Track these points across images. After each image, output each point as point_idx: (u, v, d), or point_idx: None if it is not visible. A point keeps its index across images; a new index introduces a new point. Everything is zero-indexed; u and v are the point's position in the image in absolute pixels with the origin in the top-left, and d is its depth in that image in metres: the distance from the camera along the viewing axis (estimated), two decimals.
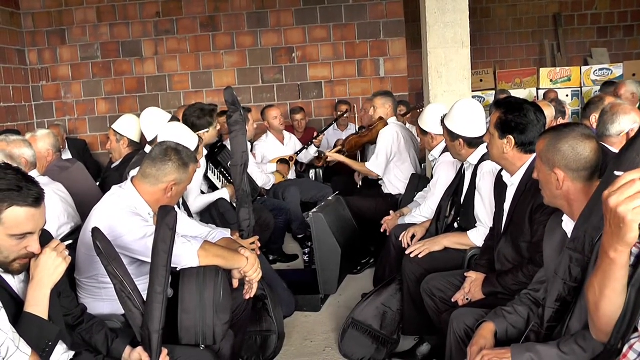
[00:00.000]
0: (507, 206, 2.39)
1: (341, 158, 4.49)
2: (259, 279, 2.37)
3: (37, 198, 1.58)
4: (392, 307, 2.94)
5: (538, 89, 7.00)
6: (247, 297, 2.41)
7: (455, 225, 3.05)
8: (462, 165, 3.02)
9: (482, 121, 2.87)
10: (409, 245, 3.03)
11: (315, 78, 6.51)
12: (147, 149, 3.34)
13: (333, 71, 6.49)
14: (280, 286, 3.36)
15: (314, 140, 5.24)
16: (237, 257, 2.28)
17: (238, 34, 6.44)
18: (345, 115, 5.88)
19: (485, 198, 2.69)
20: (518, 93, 6.67)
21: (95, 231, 1.85)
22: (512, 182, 2.35)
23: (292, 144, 5.27)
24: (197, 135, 3.15)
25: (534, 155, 2.22)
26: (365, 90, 6.42)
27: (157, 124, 3.33)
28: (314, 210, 3.61)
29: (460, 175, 3.04)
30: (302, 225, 4.63)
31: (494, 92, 7.06)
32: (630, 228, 1.16)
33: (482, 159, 2.77)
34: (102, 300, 2.22)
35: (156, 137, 3.21)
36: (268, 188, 4.65)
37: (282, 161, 4.99)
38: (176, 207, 2.43)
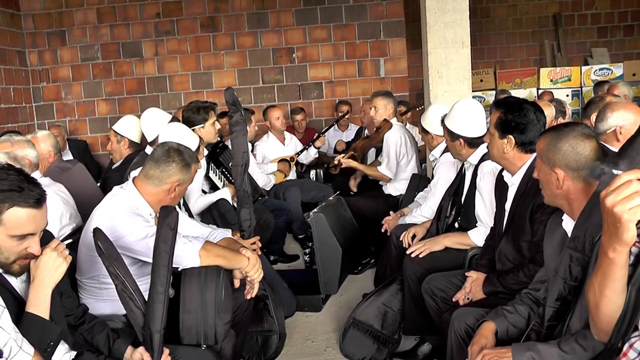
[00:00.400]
0: (508, 206, 2.39)
1: (354, 164, 4.48)
2: (260, 279, 2.37)
3: (38, 199, 1.58)
4: (393, 307, 2.94)
5: (538, 89, 6.99)
6: (249, 297, 2.41)
7: (456, 225, 3.05)
8: (463, 165, 3.02)
9: (482, 121, 2.87)
10: (409, 245, 3.03)
11: (316, 78, 6.52)
12: (148, 149, 3.34)
13: (333, 71, 6.49)
14: (281, 286, 3.36)
15: (315, 142, 5.23)
16: (239, 257, 2.28)
17: (238, 34, 6.44)
18: (346, 116, 5.88)
19: (486, 198, 2.70)
20: (518, 93, 6.67)
21: (97, 231, 1.85)
22: (513, 182, 2.35)
23: (292, 144, 5.27)
24: (192, 130, 3.15)
25: (534, 154, 2.22)
26: (366, 91, 6.42)
27: (157, 125, 3.33)
28: (315, 210, 3.61)
29: (460, 175, 3.04)
30: (302, 226, 4.63)
31: (494, 92, 7.05)
32: (626, 228, 1.17)
33: (483, 158, 2.78)
34: (103, 300, 2.22)
35: (157, 138, 3.21)
36: (268, 188, 4.65)
37: (282, 161, 4.99)
38: (177, 207, 2.43)
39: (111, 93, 6.55)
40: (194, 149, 2.85)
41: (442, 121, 2.99)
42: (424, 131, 3.53)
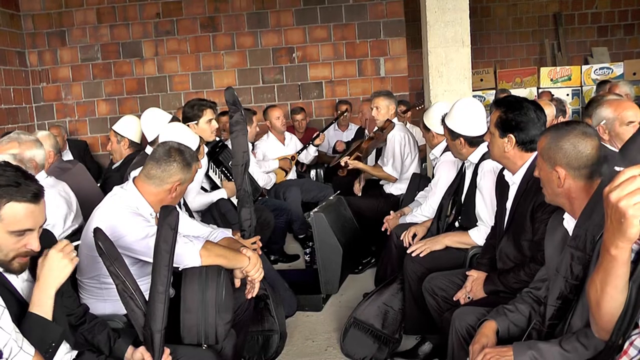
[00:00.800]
0: (508, 205, 2.39)
1: (361, 165, 4.46)
2: (261, 279, 2.37)
3: (36, 194, 1.57)
4: (393, 306, 2.94)
5: (538, 88, 7.00)
6: (249, 296, 2.41)
7: (457, 224, 3.05)
8: (463, 164, 3.02)
9: (482, 120, 2.87)
10: (410, 245, 3.03)
11: (316, 78, 6.52)
12: (148, 149, 3.34)
13: (333, 71, 6.49)
14: (282, 286, 3.36)
15: (314, 140, 5.24)
16: (239, 257, 2.28)
17: (238, 34, 6.44)
18: (345, 115, 5.88)
19: (486, 197, 2.69)
20: (518, 92, 6.67)
21: (97, 231, 1.85)
22: (514, 181, 2.35)
23: (292, 144, 5.27)
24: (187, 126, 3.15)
25: (535, 153, 2.22)
26: (366, 90, 6.43)
27: (157, 125, 3.33)
28: (315, 210, 3.61)
29: (461, 174, 3.04)
30: (303, 225, 4.63)
31: (494, 91, 7.06)
32: (631, 223, 1.17)
33: (483, 157, 2.77)
34: (103, 300, 2.22)
35: (157, 138, 3.21)
36: (269, 188, 4.65)
37: (283, 159, 5.00)
38: (177, 207, 2.43)
39: (111, 93, 6.55)
40: (194, 148, 2.85)
41: (443, 120, 2.99)
42: (425, 128, 3.53)
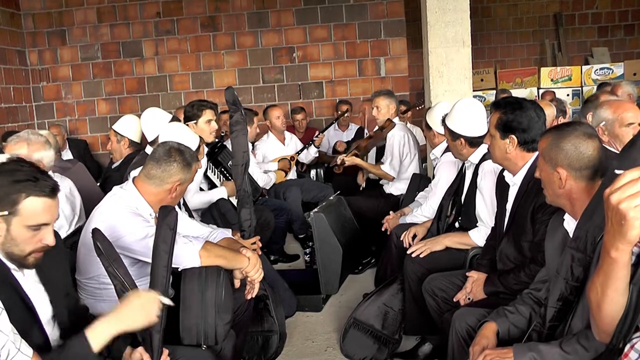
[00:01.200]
0: (509, 206, 2.38)
1: (358, 161, 4.45)
2: (261, 279, 2.37)
3: (53, 188, 1.59)
4: (393, 307, 2.93)
5: (539, 88, 7.00)
6: (249, 297, 2.41)
7: (457, 224, 3.05)
8: (463, 164, 3.01)
9: (483, 120, 2.86)
10: (410, 245, 3.02)
11: (316, 78, 6.51)
12: (148, 149, 3.33)
13: (334, 71, 6.49)
14: (282, 286, 3.35)
15: (314, 140, 5.24)
16: (239, 257, 2.28)
17: (238, 34, 6.43)
18: (345, 115, 5.88)
19: (487, 197, 2.69)
20: (519, 92, 6.67)
21: (96, 232, 1.85)
22: (514, 182, 2.34)
23: (292, 144, 5.27)
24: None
25: (536, 153, 2.21)
26: (366, 90, 6.42)
27: (157, 125, 3.33)
28: (315, 210, 3.60)
29: (461, 175, 3.04)
30: (303, 225, 4.63)
31: (494, 91, 7.05)
32: (631, 225, 1.16)
33: (483, 158, 2.77)
34: (102, 300, 2.21)
35: (157, 138, 3.21)
36: (269, 187, 4.64)
37: (283, 160, 4.99)
38: (176, 207, 2.43)
39: (111, 92, 6.55)
40: (194, 148, 2.84)
41: (443, 121, 2.98)
42: (427, 127, 3.53)
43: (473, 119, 2.85)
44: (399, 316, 2.92)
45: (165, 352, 1.84)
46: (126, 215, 2.18)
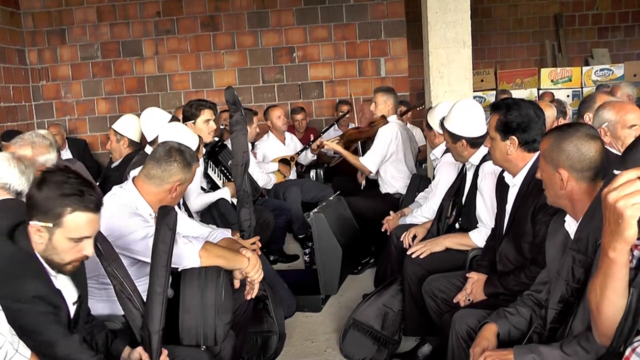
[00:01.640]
0: (509, 207, 2.38)
1: (338, 147, 4.43)
2: (261, 280, 2.36)
3: (98, 204, 1.65)
4: (393, 307, 2.93)
5: (539, 89, 6.99)
6: (249, 297, 2.40)
7: (457, 225, 3.04)
8: (464, 165, 3.01)
9: (482, 120, 2.86)
10: (410, 246, 3.02)
11: (316, 78, 6.50)
12: (148, 149, 3.33)
13: (334, 71, 6.48)
14: (281, 286, 3.35)
15: (310, 145, 5.18)
16: (239, 258, 2.27)
17: (239, 33, 6.43)
18: (346, 116, 5.87)
19: (487, 198, 2.68)
20: (519, 93, 6.66)
21: None
22: (514, 183, 2.34)
23: (292, 144, 5.26)
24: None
25: (536, 154, 2.21)
26: (366, 90, 6.41)
27: (157, 124, 3.32)
28: (315, 210, 3.60)
29: (461, 176, 3.03)
30: (302, 226, 4.62)
31: (494, 92, 7.05)
32: (628, 224, 1.17)
33: (484, 159, 2.76)
34: (102, 301, 2.21)
35: (156, 137, 3.20)
36: (269, 188, 4.64)
37: (283, 161, 4.98)
38: (176, 207, 2.42)
39: (111, 92, 6.54)
40: (194, 148, 2.83)
41: (442, 125, 2.96)
42: (428, 127, 3.52)
43: (473, 119, 2.84)
44: (399, 317, 2.92)
45: (165, 352, 1.84)
46: (126, 215, 2.17)
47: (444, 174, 3.32)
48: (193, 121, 3.53)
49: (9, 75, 6.01)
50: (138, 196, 2.25)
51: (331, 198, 4.01)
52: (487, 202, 2.68)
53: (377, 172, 4.32)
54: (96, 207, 1.64)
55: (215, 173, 3.90)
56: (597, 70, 6.97)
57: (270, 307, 2.90)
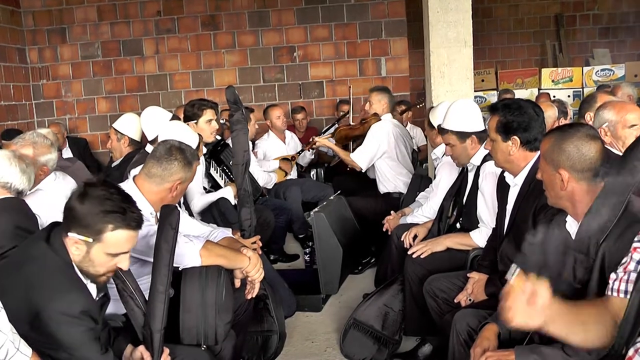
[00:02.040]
0: (509, 207, 2.38)
1: (329, 144, 4.48)
2: (261, 279, 2.36)
3: (138, 222, 1.68)
4: (394, 307, 2.93)
5: (539, 89, 6.99)
6: (249, 297, 2.40)
7: (458, 225, 3.03)
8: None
9: (481, 115, 2.88)
10: (410, 246, 3.02)
11: (317, 77, 6.50)
12: (148, 147, 3.32)
13: (334, 70, 6.48)
14: (282, 286, 3.35)
15: (308, 144, 5.17)
16: (240, 257, 2.27)
17: (239, 33, 6.42)
18: (347, 116, 5.86)
19: (488, 198, 2.68)
20: (520, 93, 6.66)
21: None
22: (515, 183, 2.34)
23: (293, 142, 5.26)
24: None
25: (537, 154, 2.21)
26: (367, 90, 6.38)
27: (157, 123, 3.32)
28: (315, 209, 3.59)
29: (462, 176, 3.03)
30: (303, 225, 4.62)
31: (495, 92, 7.05)
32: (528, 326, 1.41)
33: (485, 159, 2.76)
34: None
35: (157, 136, 3.20)
36: (270, 187, 4.64)
37: (284, 160, 4.98)
38: (177, 206, 2.42)
39: (111, 91, 6.54)
40: (194, 147, 2.83)
41: (444, 130, 2.93)
42: (430, 126, 3.52)
43: (475, 114, 2.86)
44: (399, 317, 2.92)
45: (166, 351, 1.84)
46: None
47: (445, 174, 3.32)
48: (195, 121, 3.53)
49: (9, 74, 6.00)
50: (139, 195, 2.24)
51: (331, 198, 4.01)
52: (488, 202, 2.68)
53: (375, 171, 4.33)
54: (137, 225, 1.67)
55: (217, 173, 3.89)
56: (597, 71, 6.97)
57: (271, 307, 2.90)
